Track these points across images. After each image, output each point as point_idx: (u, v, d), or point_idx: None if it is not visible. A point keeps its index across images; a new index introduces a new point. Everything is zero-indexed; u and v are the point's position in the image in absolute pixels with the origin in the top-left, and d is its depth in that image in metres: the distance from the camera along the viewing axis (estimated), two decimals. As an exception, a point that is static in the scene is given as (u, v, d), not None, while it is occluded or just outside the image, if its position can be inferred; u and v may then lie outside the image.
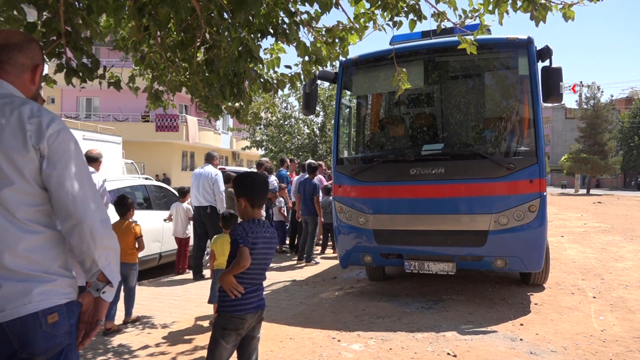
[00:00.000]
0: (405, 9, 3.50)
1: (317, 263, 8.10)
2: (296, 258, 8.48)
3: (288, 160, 10.72)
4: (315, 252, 8.71)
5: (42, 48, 1.69)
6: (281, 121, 17.45)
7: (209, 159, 7.36)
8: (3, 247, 1.39)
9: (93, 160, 5.39)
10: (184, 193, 7.47)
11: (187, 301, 5.77)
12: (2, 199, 1.41)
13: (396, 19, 3.56)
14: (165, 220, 7.43)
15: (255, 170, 8.59)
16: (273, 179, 8.91)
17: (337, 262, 6.62)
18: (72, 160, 1.50)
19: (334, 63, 4.33)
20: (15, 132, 1.42)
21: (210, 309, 5.02)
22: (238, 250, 2.44)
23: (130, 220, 4.79)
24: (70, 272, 1.53)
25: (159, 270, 7.66)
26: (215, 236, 4.69)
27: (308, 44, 3.76)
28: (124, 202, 4.78)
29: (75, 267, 1.58)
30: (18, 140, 1.42)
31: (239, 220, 2.67)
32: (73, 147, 1.52)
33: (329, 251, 9.41)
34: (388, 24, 3.69)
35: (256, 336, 2.63)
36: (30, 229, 1.44)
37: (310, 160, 10.04)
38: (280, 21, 3.59)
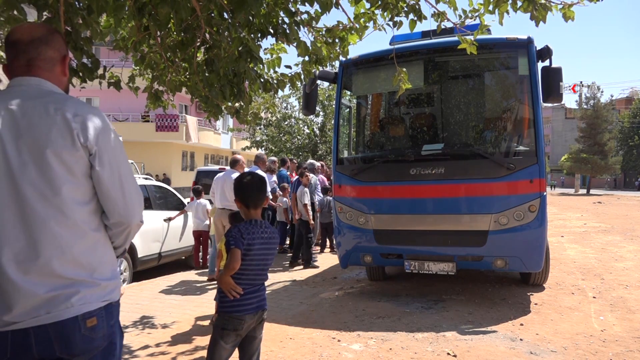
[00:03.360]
0: (406, 9, 3.49)
1: (316, 267, 8.05)
2: (289, 262, 8.19)
3: (289, 160, 10.69)
4: (314, 251, 8.68)
5: (64, 38, 1.67)
6: (281, 121, 17.44)
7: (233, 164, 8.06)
8: (53, 251, 1.40)
9: (235, 163, 6.64)
10: (199, 192, 7.95)
11: (187, 301, 5.77)
12: (57, 200, 1.42)
13: (396, 19, 3.56)
14: (167, 219, 7.51)
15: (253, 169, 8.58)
16: (273, 179, 8.88)
17: (337, 262, 6.61)
18: (121, 159, 1.55)
19: (334, 63, 4.33)
20: (63, 131, 1.42)
21: (211, 309, 5.01)
22: (229, 252, 2.46)
23: None
24: (112, 274, 1.55)
25: (158, 270, 7.66)
26: (224, 236, 4.77)
27: (308, 44, 3.75)
28: None
29: None
30: (66, 140, 1.42)
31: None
32: (118, 144, 1.55)
33: (327, 250, 9.42)
34: (388, 24, 3.69)
35: (258, 337, 2.63)
36: (80, 232, 1.46)
37: (311, 161, 9.99)
38: (280, 21, 3.58)
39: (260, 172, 7.95)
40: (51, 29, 1.61)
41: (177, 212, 7.82)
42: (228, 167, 8.24)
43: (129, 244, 1.65)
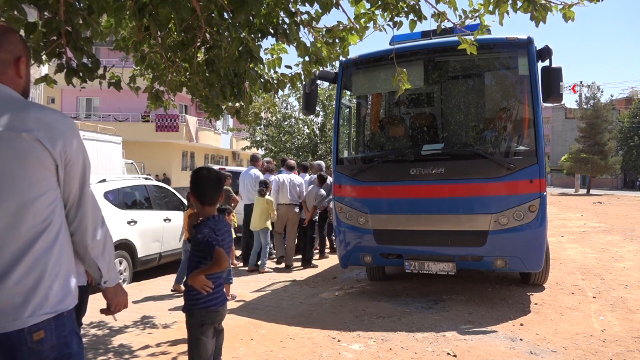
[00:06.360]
0: (406, 9, 3.49)
1: (316, 266, 8.06)
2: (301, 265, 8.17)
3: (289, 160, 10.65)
4: (314, 250, 8.67)
5: (22, 37, 1.60)
6: (281, 121, 17.44)
7: (253, 160, 8.54)
8: (7, 264, 1.38)
9: (292, 168, 7.79)
10: None
11: (187, 301, 5.77)
12: (21, 211, 1.39)
13: (396, 19, 3.56)
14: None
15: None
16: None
17: (337, 262, 6.61)
18: (84, 166, 1.55)
19: (334, 63, 4.33)
20: (28, 140, 1.39)
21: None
22: (215, 252, 2.51)
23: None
24: (66, 284, 1.50)
25: (158, 270, 7.66)
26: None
27: (308, 44, 3.76)
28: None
29: (78, 266, 1.60)
30: (32, 147, 1.40)
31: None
32: (82, 152, 1.54)
33: (327, 250, 9.40)
34: (388, 24, 3.69)
35: (222, 329, 2.80)
36: (36, 242, 1.42)
37: (319, 162, 9.94)
38: (280, 21, 3.59)
39: (256, 171, 8.05)
40: (4, 29, 1.53)
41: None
42: (227, 167, 8.28)
43: (93, 254, 1.60)
